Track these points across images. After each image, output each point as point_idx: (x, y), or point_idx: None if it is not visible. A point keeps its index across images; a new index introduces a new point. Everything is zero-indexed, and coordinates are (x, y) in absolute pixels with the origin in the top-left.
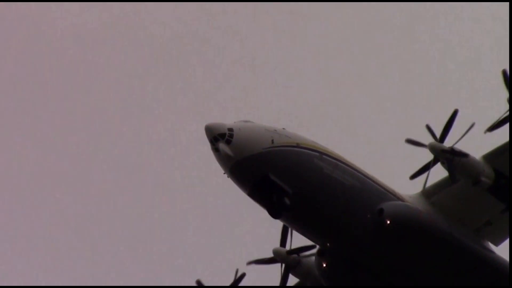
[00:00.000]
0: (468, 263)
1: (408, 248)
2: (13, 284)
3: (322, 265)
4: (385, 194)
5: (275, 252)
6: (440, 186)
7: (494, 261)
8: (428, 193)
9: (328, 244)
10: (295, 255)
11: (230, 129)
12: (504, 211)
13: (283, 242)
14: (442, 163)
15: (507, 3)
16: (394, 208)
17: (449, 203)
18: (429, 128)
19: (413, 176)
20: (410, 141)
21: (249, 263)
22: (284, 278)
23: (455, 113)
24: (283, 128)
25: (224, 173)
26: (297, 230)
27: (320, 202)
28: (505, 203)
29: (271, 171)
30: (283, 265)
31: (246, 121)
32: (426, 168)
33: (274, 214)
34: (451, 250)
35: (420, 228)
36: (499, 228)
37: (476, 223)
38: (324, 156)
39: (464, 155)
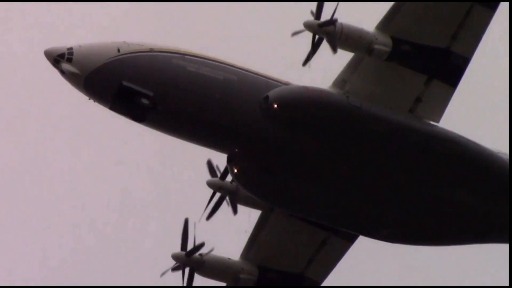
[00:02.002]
0: (413, 144)
1: (320, 136)
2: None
3: (234, 171)
4: (273, 83)
5: (174, 257)
6: (348, 71)
7: (445, 134)
8: (338, 83)
9: (235, 150)
10: (197, 256)
11: (70, 48)
12: (428, 81)
13: (183, 245)
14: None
15: (507, 3)
16: (281, 91)
17: (366, 87)
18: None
19: (305, 62)
20: (295, 33)
21: (162, 274)
22: (190, 281)
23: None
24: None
25: (89, 99)
26: (185, 138)
27: (192, 101)
28: (425, 73)
29: (124, 79)
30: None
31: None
32: (314, 50)
33: (137, 117)
34: (371, 127)
35: (330, 107)
36: (431, 101)
37: (406, 104)
38: (186, 56)
39: (333, 21)
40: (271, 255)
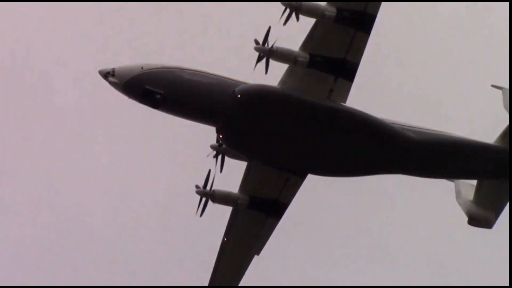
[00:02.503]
0: (329, 114)
1: (269, 112)
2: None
3: (220, 137)
4: (238, 83)
5: (198, 192)
6: (286, 75)
7: (347, 108)
8: (281, 82)
9: (219, 124)
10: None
11: (113, 69)
12: (336, 79)
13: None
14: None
15: (507, 3)
16: (243, 86)
17: (297, 84)
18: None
19: (254, 68)
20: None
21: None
22: (204, 208)
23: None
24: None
25: (129, 98)
26: (186, 117)
27: (188, 95)
28: (332, 74)
29: (146, 84)
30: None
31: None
32: (258, 61)
33: (154, 105)
34: (299, 106)
35: (271, 94)
36: (339, 90)
37: (324, 93)
38: (184, 70)
39: (272, 48)
40: (256, 188)
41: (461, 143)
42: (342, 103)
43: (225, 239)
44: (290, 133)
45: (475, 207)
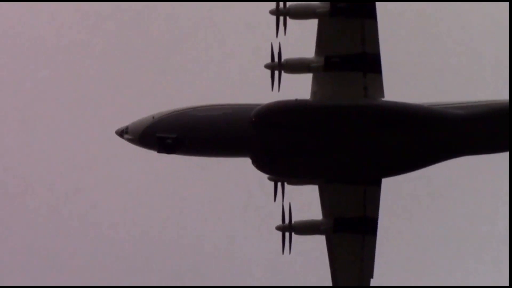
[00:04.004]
0: (374, 113)
1: (293, 127)
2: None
3: (255, 167)
4: (253, 107)
5: (278, 228)
6: (313, 85)
7: (388, 102)
8: (312, 95)
9: (250, 154)
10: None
11: (126, 127)
12: (364, 75)
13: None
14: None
15: (507, 3)
16: (256, 108)
17: (327, 90)
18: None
19: (272, 88)
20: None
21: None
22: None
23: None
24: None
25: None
26: (213, 155)
27: (205, 132)
28: (359, 70)
29: (158, 132)
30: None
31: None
32: (272, 79)
33: (168, 150)
34: (326, 112)
35: (283, 108)
36: (373, 86)
37: (360, 92)
38: (197, 108)
39: (280, 62)
40: (338, 209)
41: None
42: (381, 98)
43: (332, 270)
44: (330, 142)
45: None
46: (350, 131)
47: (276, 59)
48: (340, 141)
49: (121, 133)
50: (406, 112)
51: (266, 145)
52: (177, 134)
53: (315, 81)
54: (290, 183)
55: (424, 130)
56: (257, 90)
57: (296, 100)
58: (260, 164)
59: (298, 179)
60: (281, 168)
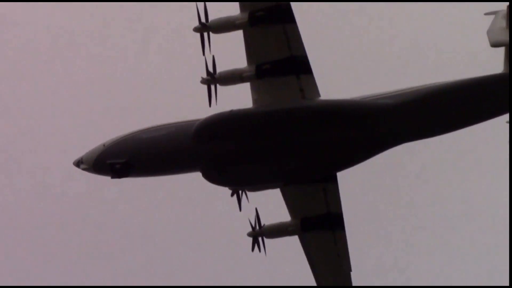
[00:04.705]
0: (312, 113)
1: (234, 136)
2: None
3: (206, 179)
4: (193, 123)
5: (249, 234)
6: (252, 93)
7: (326, 101)
8: (254, 102)
9: (199, 169)
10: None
11: (81, 157)
12: (298, 77)
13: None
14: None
15: (507, 3)
16: (195, 124)
17: (266, 97)
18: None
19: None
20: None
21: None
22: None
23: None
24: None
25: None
26: (164, 174)
27: (152, 153)
28: (292, 74)
29: (107, 159)
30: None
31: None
32: (210, 96)
33: (119, 175)
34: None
35: (218, 120)
36: (308, 87)
37: (296, 94)
38: (142, 130)
39: (214, 76)
40: (303, 209)
41: (445, 88)
42: (318, 98)
43: (313, 269)
44: (275, 147)
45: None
46: (291, 133)
47: (211, 73)
48: (284, 144)
49: (77, 163)
50: (340, 109)
51: (211, 158)
52: (126, 158)
53: (253, 89)
54: (249, 190)
55: (359, 123)
56: (199, 106)
57: (231, 111)
58: (209, 176)
59: (253, 186)
60: (230, 178)
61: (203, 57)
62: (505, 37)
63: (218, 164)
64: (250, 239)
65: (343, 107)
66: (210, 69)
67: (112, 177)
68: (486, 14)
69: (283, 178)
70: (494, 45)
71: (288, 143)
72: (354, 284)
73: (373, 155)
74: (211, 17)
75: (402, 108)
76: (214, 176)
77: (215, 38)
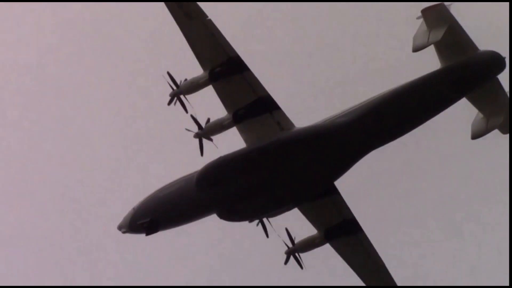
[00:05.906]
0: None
1: (227, 180)
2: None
3: (223, 220)
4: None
5: (286, 252)
6: (243, 136)
7: (305, 129)
8: (246, 142)
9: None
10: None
11: (120, 224)
12: (271, 114)
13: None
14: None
15: (507, 3)
16: (195, 176)
17: (252, 137)
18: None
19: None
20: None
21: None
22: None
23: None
24: None
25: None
26: (185, 223)
27: (171, 208)
28: (266, 113)
29: (137, 220)
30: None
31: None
32: (201, 145)
33: (148, 232)
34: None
35: (210, 169)
36: (282, 119)
37: (276, 129)
38: (160, 189)
39: (203, 129)
40: (323, 221)
41: (389, 95)
42: (294, 127)
43: (355, 271)
44: (270, 178)
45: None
46: (277, 162)
47: (201, 128)
48: (276, 173)
49: (119, 228)
50: (311, 133)
51: (219, 201)
52: (150, 217)
53: (240, 132)
54: (269, 216)
55: (328, 142)
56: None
57: (220, 157)
58: (224, 217)
59: (268, 214)
60: (243, 214)
61: (191, 115)
62: (424, 39)
63: (227, 204)
64: (283, 257)
65: (309, 132)
66: (194, 125)
67: (146, 235)
68: (417, 18)
69: (290, 201)
70: (415, 49)
71: (278, 171)
72: None
73: (353, 164)
74: (181, 78)
75: (357, 123)
76: (228, 215)
77: (202, 92)
